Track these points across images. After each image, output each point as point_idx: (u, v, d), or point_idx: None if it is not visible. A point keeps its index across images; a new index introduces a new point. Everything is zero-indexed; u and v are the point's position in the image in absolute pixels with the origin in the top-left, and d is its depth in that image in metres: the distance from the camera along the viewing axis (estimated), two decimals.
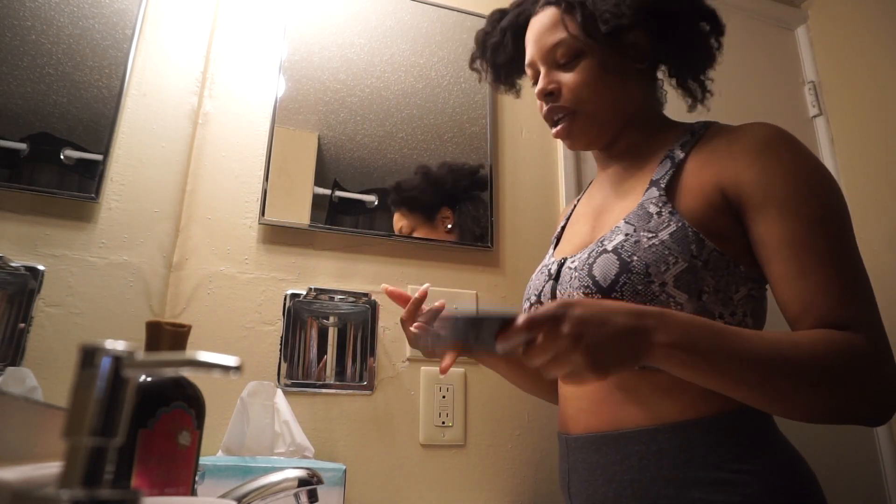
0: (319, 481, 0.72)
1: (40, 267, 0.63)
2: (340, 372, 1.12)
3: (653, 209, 0.71)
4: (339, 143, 1.24)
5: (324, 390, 1.10)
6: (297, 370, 1.09)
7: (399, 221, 1.25)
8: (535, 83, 0.85)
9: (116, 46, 0.83)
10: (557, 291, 0.77)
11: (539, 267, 0.87)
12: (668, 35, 0.80)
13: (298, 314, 1.12)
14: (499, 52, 0.93)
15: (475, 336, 0.59)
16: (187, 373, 0.56)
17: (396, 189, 1.25)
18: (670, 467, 0.65)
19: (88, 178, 0.76)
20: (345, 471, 0.90)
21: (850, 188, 1.61)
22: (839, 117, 1.69)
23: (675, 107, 0.88)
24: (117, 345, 0.36)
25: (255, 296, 1.11)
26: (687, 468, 0.65)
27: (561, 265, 0.79)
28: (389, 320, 1.18)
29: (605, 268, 0.69)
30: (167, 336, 0.57)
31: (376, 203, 1.24)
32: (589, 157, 1.42)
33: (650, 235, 0.69)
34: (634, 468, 0.67)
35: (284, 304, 1.12)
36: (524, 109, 1.43)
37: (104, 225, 0.80)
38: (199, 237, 1.11)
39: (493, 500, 1.15)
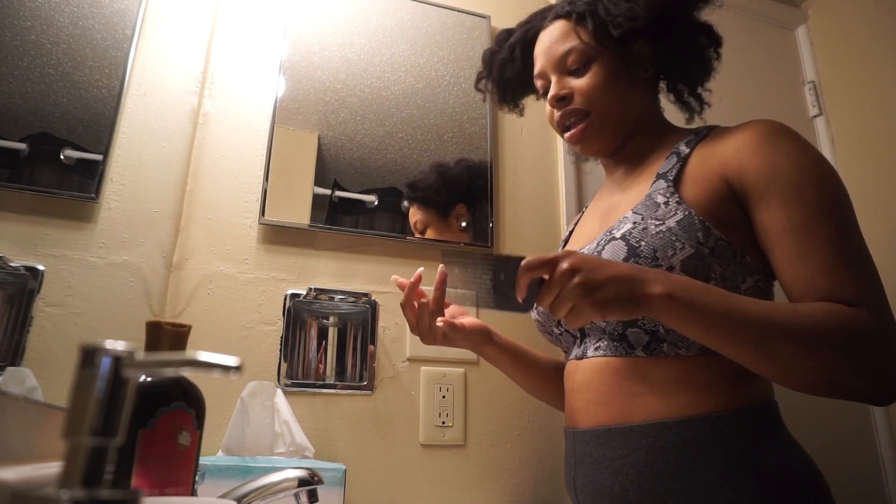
0: (319, 481, 0.72)
1: (40, 267, 0.63)
2: (340, 372, 1.12)
3: (660, 199, 0.73)
4: (339, 143, 1.24)
5: (324, 390, 1.10)
6: (297, 370, 1.09)
7: (414, 216, 1.26)
8: (544, 95, 0.87)
9: (116, 46, 0.83)
10: None
11: None
12: (669, 44, 0.82)
13: (298, 314, 1.12)
14: (506, 67, 0.95)
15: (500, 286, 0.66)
16: (187, 373, 0.56)
17: (411, 187, 1.26)
18: (677, 461, 0.65)
19: (88, 178, 0.76)
20: (345, 471, 0.90)
21: (850, 188, 1.58)
22: (839, 117, 1.69)
23: (675, 118, 0.90)
24: (117, 345, 0.36)
25: (255, 296, 1.11)
26: (694, 463, 0.65)
27: None
28: (389, 320, 1.18)
29: (614, 253, 0.71)
30: (167, 336, 0.57)
31: (376, 203, 1.24)
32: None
33: (658, 223, 0.70)
34: (641, 462, 0.67)
35: (284, 304, 1.12)
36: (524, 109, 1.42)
37: (104, 225, 0.80)
38: (199, 237, 1.11)
39: (493, 500, 1.15)
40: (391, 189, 1.25)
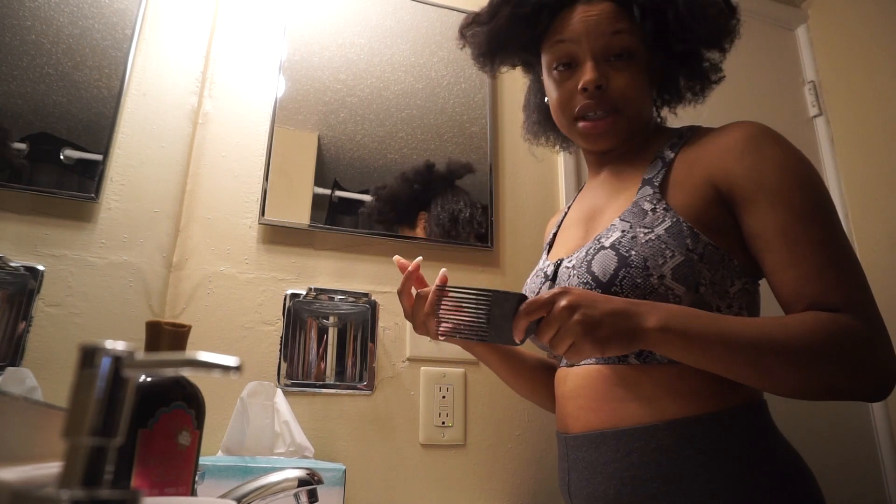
0: (319, 481, 0.72)
1: (40, 267, 0.63)
2: (340, 372, 1.12)
3: (647, 206, 0.73)
4: (339, 143, 1.24)
5: (324, 390, 1.10)
6: (296, 370, 1.09)
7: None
8: (557, 68, 0.82)
9: (116, 46, 0.82)
10: None
11: (534, 271, 0.87)
12: (696, 70, 0.85)
13: (298, 314, 1.12)
14: (518, 25, 0.84)
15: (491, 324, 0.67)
16: (187, 373, 0.56)
17: (378, 220, 1.24)
18: (669, 464, 0.66)
19: (88, 178, 0.76)
20: (345, 471, 0.90)
21: (850, 188, 1.61)
22: (839, 117, 1.69)
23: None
24: (117, 345, 0.36)
25: (255, 296, 1.11)
26: (686, 465, 0.65)
27: (557, 266, 0.80)
28: (389, 320, 1.18)
29: (604, 263, 0.71)
30: (167, 336, 0.57)
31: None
32: None
33: (646, 231, 0.70)
34: (634, 465, 0.67)
35: (284, 304, 1.12)
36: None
37: (104, 225, 0.80)
38: (199, 237, 1.11)
39: (493, 500, 1.15)
40: None
